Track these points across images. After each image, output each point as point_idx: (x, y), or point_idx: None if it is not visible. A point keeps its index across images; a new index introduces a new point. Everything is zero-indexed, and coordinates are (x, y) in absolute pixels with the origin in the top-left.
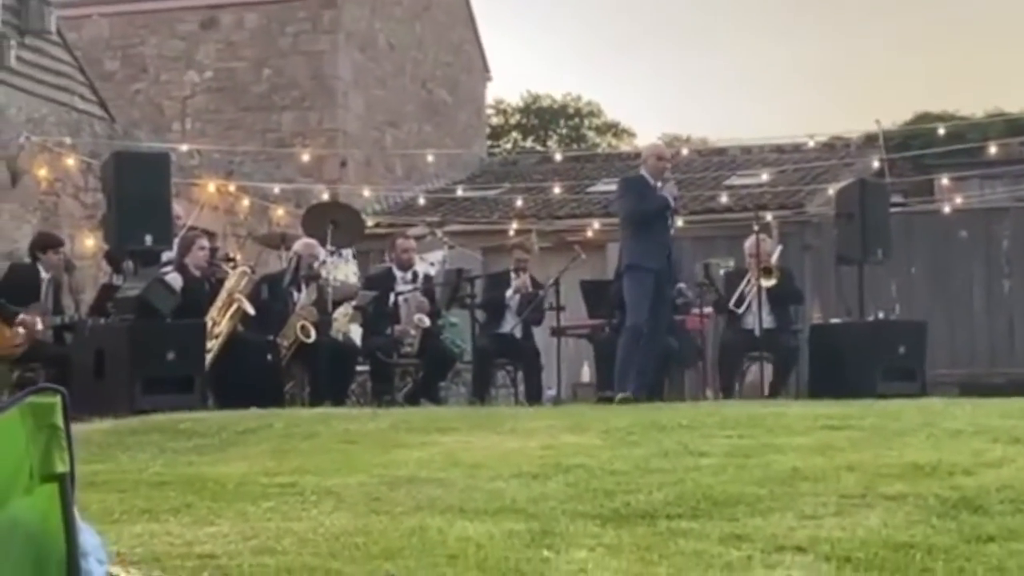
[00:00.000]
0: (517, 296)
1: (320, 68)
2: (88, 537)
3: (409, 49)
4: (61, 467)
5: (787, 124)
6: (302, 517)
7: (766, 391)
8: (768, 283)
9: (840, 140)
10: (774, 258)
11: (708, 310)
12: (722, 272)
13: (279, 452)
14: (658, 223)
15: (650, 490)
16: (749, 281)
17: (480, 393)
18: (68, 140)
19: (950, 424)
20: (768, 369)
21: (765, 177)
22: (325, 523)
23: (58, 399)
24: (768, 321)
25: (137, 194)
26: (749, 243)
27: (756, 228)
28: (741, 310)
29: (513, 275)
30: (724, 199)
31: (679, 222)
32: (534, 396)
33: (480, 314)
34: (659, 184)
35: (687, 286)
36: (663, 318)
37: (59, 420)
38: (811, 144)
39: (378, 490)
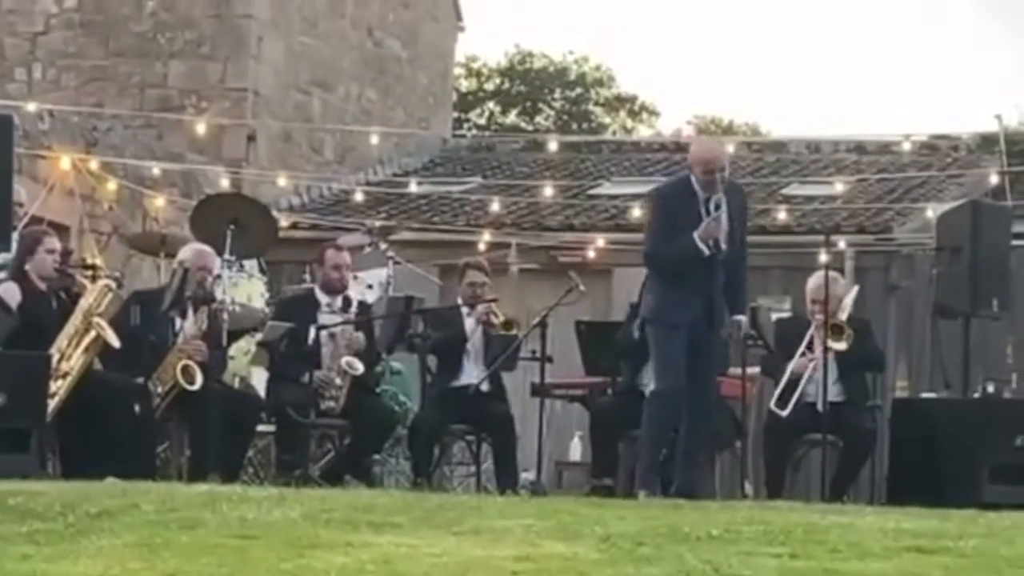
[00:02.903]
0: (479, 332)
1: (225, 2)
2: None
3: None
4: None
5: (872, 116)
6: None
7: (827, 490)
8: (838, 346)
9: (946, 141)
10: (848, 308)
11: (753, 370)
12: (773, 319)
13: (147, 548)
14: (688, 268)
15: None
16: (812, 342)
17: (428, 472)
18: None
19: None
20: (832, 458)
21: (839, 187)
22: None
23: None
24: (835, 392)
25: None
26: (813, 284)
27: (824, 259)
28: (798, 389)
29: (465, 312)
30: (782, 215)
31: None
32: (505, 480)
33: (432, 360)
34: (711, 201)
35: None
36: (708, 381)
37: None
38: (906, 146)
39: None
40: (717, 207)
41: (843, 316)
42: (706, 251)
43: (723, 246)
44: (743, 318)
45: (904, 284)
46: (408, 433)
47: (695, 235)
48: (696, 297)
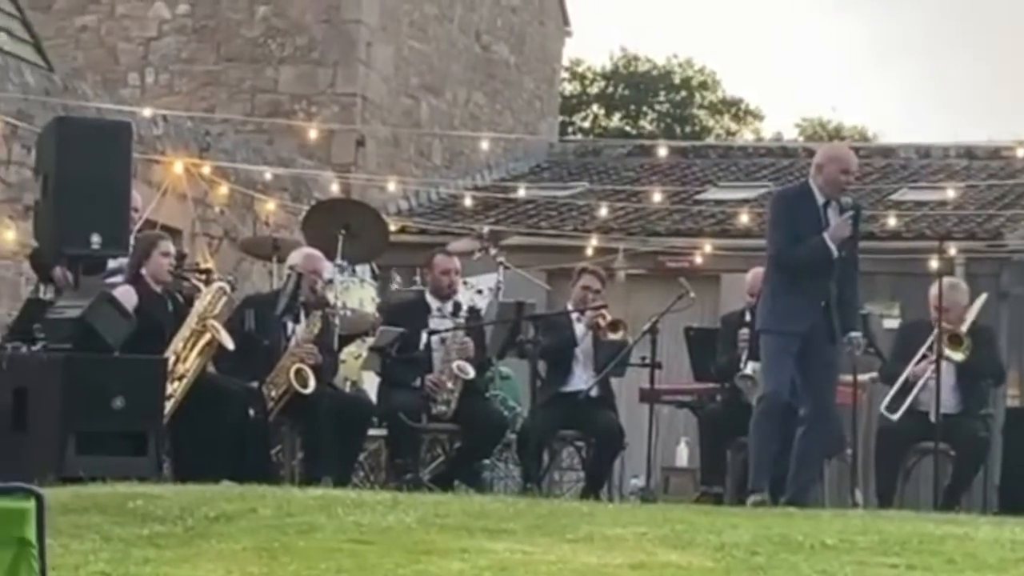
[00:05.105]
0: (588, 338)
1: (335, 7)
2: None
3: None
4: None
5: (983, 121)
6: None
7: (940, 498)
8: (955, 357)
9: None
10: (971, 318)
11: (864, 378)
12: (885, 326)
13: (266, 552)
14: (814, 271)
15: None
16: (929, 350)
17: (537, 478)
18: None
19: None
20: (944, 467)
21: (951, 193)
22: None
23: (32, 505)
24: (951, 402)
25: (85, 176)
26: (936, 291)
27: (935, 265)
28: (911, 395)
29: (575, 317)
30: (892, 221)
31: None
32: (592, 483)
33: (542, 366)
34: (831, 207)
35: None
36: (825, 392)
37: (31, 533)
38: (1020, 152)
39: None
40: (842, 210)
41: (964, 327)
42: (835, 252)
43: (837, 255)
44: (859, 335)
45: (1015, 291)
46: (518, 438)
47: (824, 235)
48: (814, 306)
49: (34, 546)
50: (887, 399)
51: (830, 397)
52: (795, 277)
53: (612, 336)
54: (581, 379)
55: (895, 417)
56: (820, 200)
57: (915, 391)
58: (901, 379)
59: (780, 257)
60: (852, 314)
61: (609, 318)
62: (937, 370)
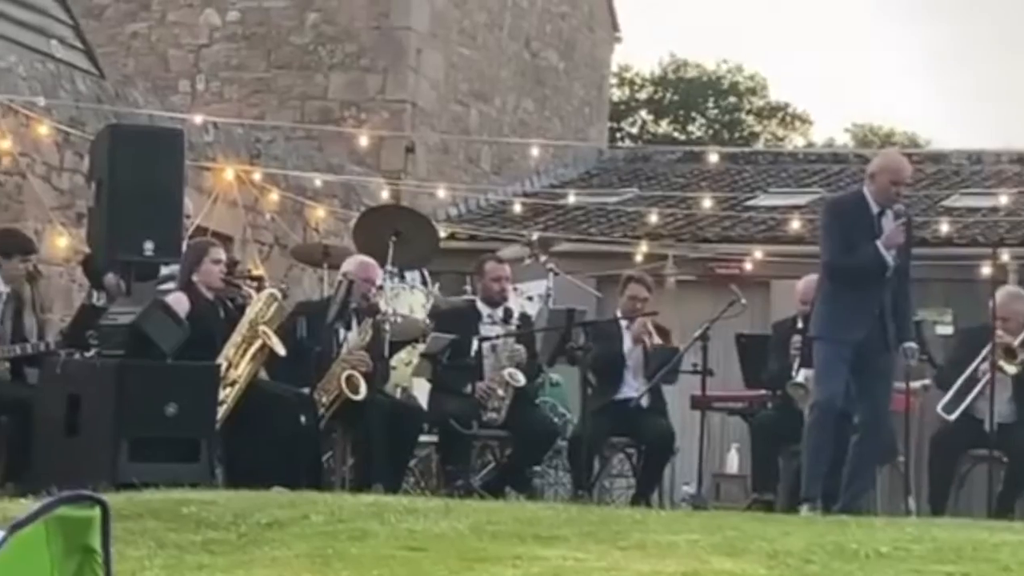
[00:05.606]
0: (638, 349)
1: (385, 14)
2: None
3: None
4: None
5: None
6: None
7: (993, 505)
8: (1010, 369)
9: None
10: None
11: (916, 385)
12: (938, 333)
13: (320, 559)
14: (868, 279)
15: None
16: (984, 360)
17: (588, 485)
18: (41, 101)
19: None
20: (997, 474)
21: (1003, 199)
22: None
23: (96, 513)
24: (1007, 412)
25: (138, 183)
26: (999, 299)
27: (988, 272)
28: (969, 397)
29: (624, 324)
30: (944, 227)
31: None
32: (643, 489)
33: (592, 374)
34: (886, 215)
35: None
36: (879, 401)
37: (96, 541)
38: None
39: None
40: (896, 217)
41: (1018, 340)
42: (890, 260)
43: (892, 263)
44: (914, 345)
45: None
46: (568, 445)
47: (878, 243)
48: (868, 314)
49: (99, 554)
50: (944, 400)
51: (885, 406)
52: (849, 285)
53: (664, 346)
54: (632, 387)
55: (951, 418)
56: (874, 208)
57: (972, 394)
58: (960, 380)
59: (833, 265)
60: (907, 323)
61: (655, 336)
62: (991, 380)
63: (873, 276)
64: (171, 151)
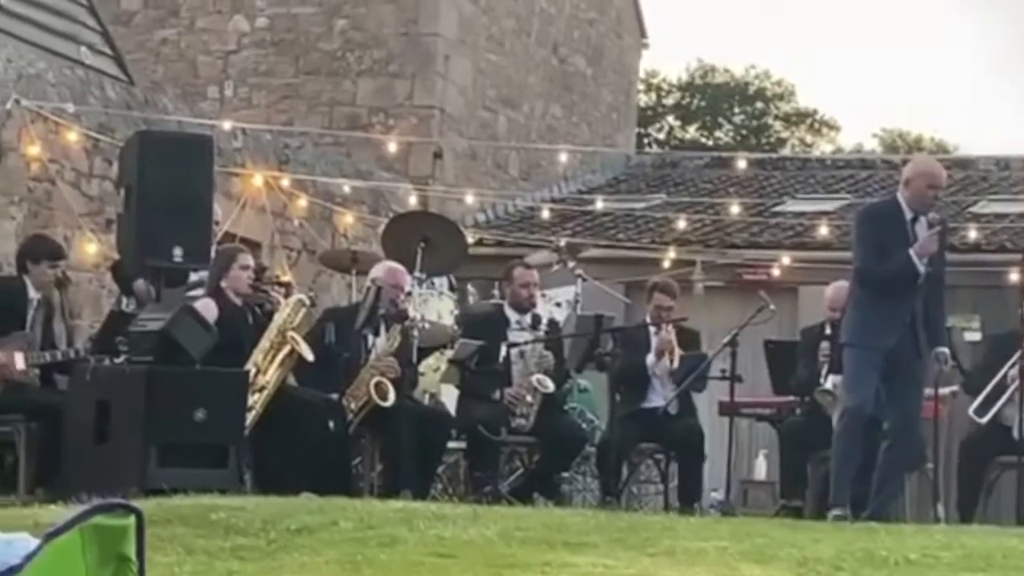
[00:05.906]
0: (665, 360)
1: (413, 20)
2: None
3: None
4: None
5: None
6: None
7: (1022, 512)
8: None
9: None
10: None
11: (945, 391)
12: (966, 339)
13: (349, 565)
14: (900, 287)
15: None
16: (1013, 367)
17: (616, 491)
18: (70, 107)
19: None
20: None
21: None
22: None
23: (131, 521)
24: None
25: (167, 189)
26: None
27: (1016, 279)
28: (1000, 401)
29: (652, 330)
30: (972, 233)
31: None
32: (688, 496)
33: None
34: (919, 223)
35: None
36: (910, 407)
37: (131, 549)
38: None
39: None
40: (930, 225)
41: None
42: (921, 268)
43: (923, 271)
44: (946, 350)
45: None
46: (596, 451)
47: (911, 251)
48: (899, 322)
49: (134, 563)
50: (976, 403)
51: (916, 413)
52: (880, 293)
53: (691, 353)
54: (660, 394)
55: (983, 421)
56: (908, 215)
57: (1002, 400)
58: (992, 384)
59: (865, 272)
60: (940, 328)
61: (677, 351)
62: (1021, 387)
63: (905, 284)
64: (200, 157)
